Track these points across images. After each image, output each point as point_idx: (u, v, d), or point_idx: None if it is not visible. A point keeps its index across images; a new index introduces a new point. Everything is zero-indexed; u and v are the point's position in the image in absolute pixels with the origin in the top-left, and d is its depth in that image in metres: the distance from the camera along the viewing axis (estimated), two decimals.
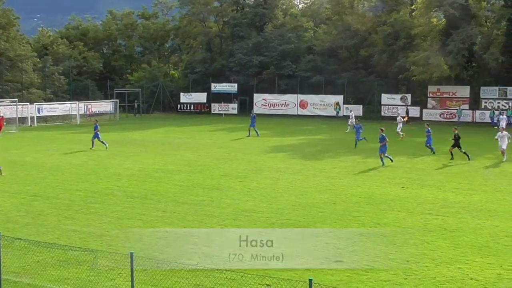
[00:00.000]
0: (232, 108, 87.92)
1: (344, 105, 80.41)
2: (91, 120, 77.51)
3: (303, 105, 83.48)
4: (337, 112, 77.75)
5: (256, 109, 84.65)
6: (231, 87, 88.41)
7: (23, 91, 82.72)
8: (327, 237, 20.95)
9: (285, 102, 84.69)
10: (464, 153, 40.13)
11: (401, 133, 53.21)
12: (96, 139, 47.46)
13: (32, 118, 74.36)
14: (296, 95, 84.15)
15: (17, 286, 16.42)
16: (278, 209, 25.36)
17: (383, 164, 37.72)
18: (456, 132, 40.65)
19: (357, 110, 76.81)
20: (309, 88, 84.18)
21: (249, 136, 55.64)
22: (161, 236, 21.21)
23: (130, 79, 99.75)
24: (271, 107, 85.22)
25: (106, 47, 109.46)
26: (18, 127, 67.33)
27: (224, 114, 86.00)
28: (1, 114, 64.42)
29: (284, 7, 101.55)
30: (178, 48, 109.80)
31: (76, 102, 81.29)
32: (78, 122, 77.64)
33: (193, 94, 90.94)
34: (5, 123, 63.48)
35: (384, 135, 38.13)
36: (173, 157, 42.02)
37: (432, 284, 16.44)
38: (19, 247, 17.12)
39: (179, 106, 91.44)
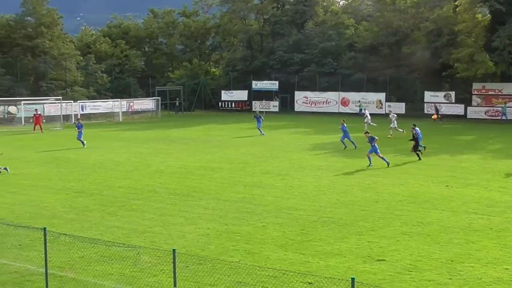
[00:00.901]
0: (273, 105, 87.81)
1: (386, 102, 79.72)
2: (133, 118, 78.25)
3: (344, 102, 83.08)
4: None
5: (297, 107, 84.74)
6: (272, 85, 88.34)
7: (67, 89, 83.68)
8: (369, 235, 20.82)
9: (326, 100, 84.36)
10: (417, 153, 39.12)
11: (401, 130, 52.28)
12: (79, 138, 48.32)
13: (76, 115, 75.14)
14: (338, 92, 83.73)
15: (63, 280, 16.59)
16: (320, 207, 25.26)
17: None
18: (414, 132, 39.33)
19: (399, 108, 76.26)
20: (350, 86, 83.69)
21: (264, 134, 55.59)
22: (203, 233, 21.27)
23: (172, 77, 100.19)
24: (312, 105, 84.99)
25: (147, 45, 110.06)
26: (62, 125, 68.08)
27: (265, 111, 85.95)
28: (39, 112, 65.34)
29: (324, 4, 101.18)
30: (219, 45, 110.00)
31: (119, 100, 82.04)
32: (120, 119, 78.28)
33: (234, 91, 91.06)
34: (44, 121, 64.29)
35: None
36: (214, 155, 42.12)
37: (478, 285, 16.16)
38: (64, 243, 17.29)
39: (220, 103, 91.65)
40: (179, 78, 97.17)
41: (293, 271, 15.93)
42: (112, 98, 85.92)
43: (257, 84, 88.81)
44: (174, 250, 12.66)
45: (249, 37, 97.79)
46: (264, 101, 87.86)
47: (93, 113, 79.54)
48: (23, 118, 69.68)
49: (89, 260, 17.94)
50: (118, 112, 79.86)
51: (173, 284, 12.66)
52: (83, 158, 41.25)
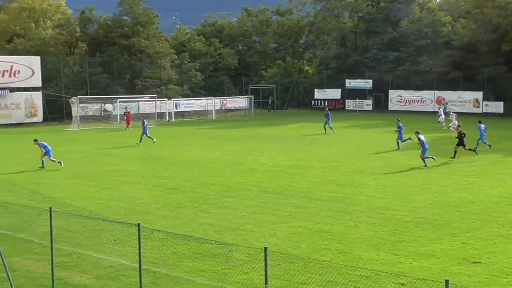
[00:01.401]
0: (367, 104, 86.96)
1: (483, 101, 77.71)
2: (226, 116, 78.91)
3: (439, 101, 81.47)
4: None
5: (391, 106, 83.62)
6: (366, 83, 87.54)
7: (162, 87, 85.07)
8: (465, 237, 20.35)
9: (421, 99, 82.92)
10: (469, 149, 39.02)
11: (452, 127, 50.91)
12: (144, 135, 49.03)
13: (170, 113, 76.40)
14: (433, 91, 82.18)
15: (156, 276, 16.84)
16: (413, 207, 24.85)
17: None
18: (460, 130, 39.27)
19: (497, 107, 74.36)
20: (446, 84, 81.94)
21: (325, 133, 55.40)
22: (294, 232, 21.23)
23: (265, 75, 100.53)
24: (407, 104, 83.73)
25: (241, 43, 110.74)
26: (157, 122, 69.23)
27: (358, 110, 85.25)
28: (128, 110, 66.68)
29: (420, 1, 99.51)
30: (312, 44, 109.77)
31: (212, 98, 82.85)
32: (213, 117, 79.07)
33: (327, 90, 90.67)
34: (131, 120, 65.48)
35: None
36: (306, 153, 42.02)
37: None
38: (158, 239, 17.53)
39: (313, 102, 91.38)
40: (272, 77, 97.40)
41: (385, 272, 15.70)
42: (205, 96, 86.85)
43: (350, 83, 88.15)
44: (265, 248, 12.64)
45: (343, 35, 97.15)
46: (357, 100, 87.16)
47: (187, 111, 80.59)
48: (118, 116, 71.23)
49: (182, 256, 18.14)
50: (212, 110, 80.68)
51: (264, 282, 12.64)
52: (176, 155, 41.84)
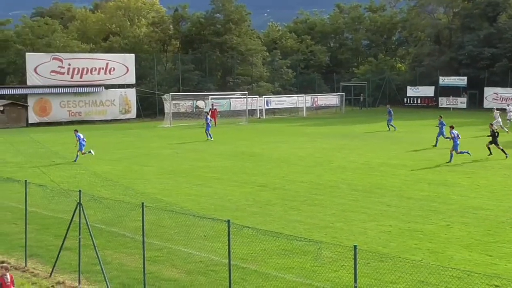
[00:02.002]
0: (461, 102, 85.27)
1: None
2: (317, 113, 78.76)
3: None
4: None
5: (487, 103, 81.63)
6: (460, 81, 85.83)
7: (253, 84, 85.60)
8: None
9: None
10: (502, 150, 37.76)
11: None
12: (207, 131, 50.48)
13: (260, 110, 76.76)
14: None
15: (245, 272, 16.91)
16: (509, 207, 24.16)
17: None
18: (493, 128, 38.65)
19: None
20: None
21: (389, 130, 54.88)
22: (384, 230, 20.97)
23: (356, 72, 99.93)
24: (503, 101, 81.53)
25: (333, 40, 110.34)
26: (248, 119, 69.65)
27: (452, 108, 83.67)
28: (215, 107, 67.40)
29: None
30: (405, 40, 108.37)
31: (303, 95, 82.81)
32: (304, 115, 79.04)
33: (420, 87, 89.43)
34: (218, 116, 66.03)
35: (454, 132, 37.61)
36: (397, 151, 41.48)
37: None
38: (247, 235, 17.56)
39: (405, 99, 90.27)
40: (364, 74, 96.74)
41: (478, 273, 15.30)
42: (296, 93, 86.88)
43: (444, 80, 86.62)
44: (355, 246, 12.53)
45: (437, 31, 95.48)
46: (451, 97, 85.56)
47: (278, 108, 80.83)
48: (210, 113, 71.86)
49: (271, 253, 18.17)
50: (302, 107, 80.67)
51: (353, 281, 12.52)
52: (267, 152, 41.96)
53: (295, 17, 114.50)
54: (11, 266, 18.03)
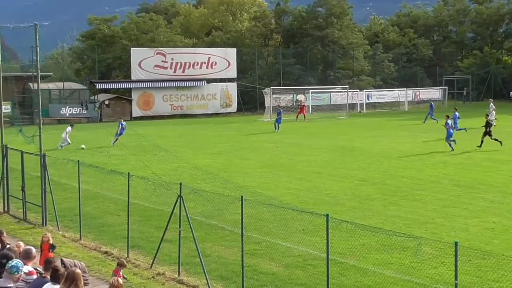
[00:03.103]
0: None
1: None
2: (419, 107, 77.61)
3: None
4: None
5: None
6: None
7: (354, 78, 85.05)
8: None
9: None
10: (495, 139, 39.33)
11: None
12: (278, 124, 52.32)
13: (361, 104, 76.22)
14: None
15: (343, 266, 16.89)
16: None
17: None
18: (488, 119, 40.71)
19: None
20: None
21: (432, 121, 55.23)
22: (487, 227, 20.52)
23: (460, 65, 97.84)
24: None
25: (436, 33, 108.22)
26: (348, 113, 69.29)
27: None
28: (303, 103, 67.54)
29: None
30: None
31: (405, 89, 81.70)
32: (406, 109, 78.03)
33: None
34: (306, 111, 66.16)
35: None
36: (503, 146, 40.39)
37: None
38: (346, 230, 17.51)
39: (511, 93, 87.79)
40: (468, 67, 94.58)
41: None
42: (398, 87, 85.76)
43: None
44: (456, 242, 12.31)
45: None
46: None
47: (378, 102, 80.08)
48: (310, 107, 71.94)
49: (369, 248, 18.08)
50: (404, 101, 79.62)
51: (454, 278, 12.31)
52: (367, 147, 41.67)
53: (398, 10, 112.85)
54: (113, 257, 18.58)
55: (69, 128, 43.79)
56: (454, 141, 38.68)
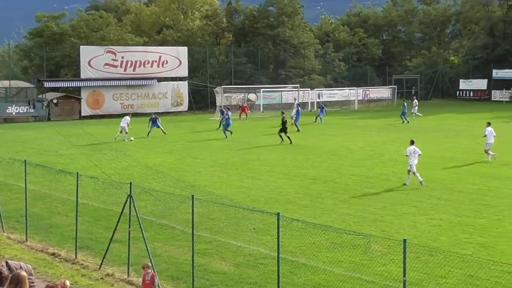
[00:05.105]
0: None
1: None
2: (369, 106, 78.29)
3: None
4: None
5: None
6: None
7: (305, 77, 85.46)
8: None
9: None
10: (288, 137, 42.50)
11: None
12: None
13: (312, 103, 76.59)
14: None
15: (294, 265, 16.99)
16: None
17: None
18: (283, 116, 43.76)
19: None
20: None
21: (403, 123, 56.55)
22: (435, 224, 20.85)
23: (409, 65, 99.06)
24: None
25: (386, 33, 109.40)
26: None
27: (505, 101, 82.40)
28: (245, 104, 68.04)
29: None
30: (459, 33, 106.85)
31: (355, 88, 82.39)
32: (356, 107, 78.66)
33: (473, 80, 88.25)
34: (249, 111, 66.67)
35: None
36: (448, 144, 41.08)
37: None
38: (297, 228, 17.64)
39: (457, 92, 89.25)
40: (417, 67, 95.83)
41: None
42: (348, 86, 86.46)
43: (497, 73, 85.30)
44: (404, 240, 12.50)
45: (492, 24, 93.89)
46: (504, 90, 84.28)
47: (329, 101, 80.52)
48: (261, 106, 72.16)
49: (320, 246, 18.21)
50: (354, 100, 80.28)
51: (402, 274, 12.50)
52: (318, 145, 41.94)
53: (348, 10, 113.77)
54: (61, 258, 18.39)
55: (128, 118, 46.79)
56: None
